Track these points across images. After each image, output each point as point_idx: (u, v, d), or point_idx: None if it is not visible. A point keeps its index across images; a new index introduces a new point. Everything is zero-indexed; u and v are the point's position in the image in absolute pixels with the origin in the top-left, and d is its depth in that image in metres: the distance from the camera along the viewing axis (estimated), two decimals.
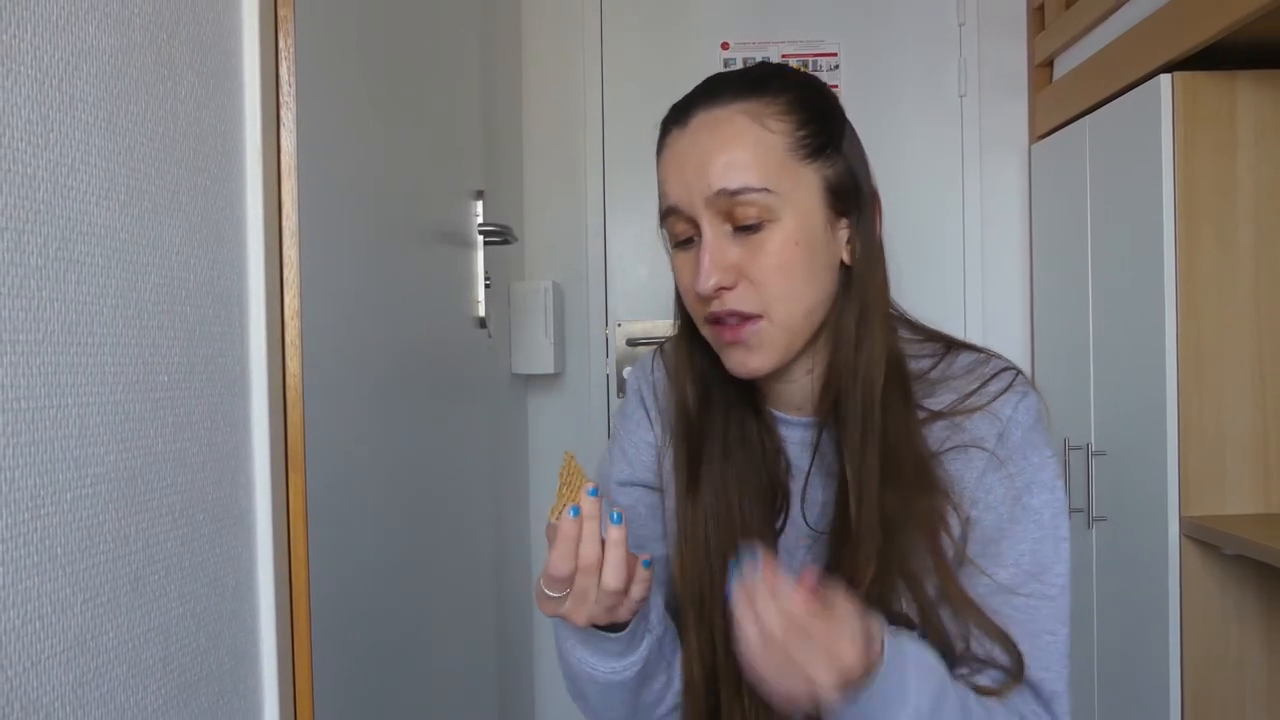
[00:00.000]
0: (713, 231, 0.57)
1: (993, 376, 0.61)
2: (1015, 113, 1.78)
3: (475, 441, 1.31)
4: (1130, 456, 1.37)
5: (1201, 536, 1.21)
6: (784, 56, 1.80)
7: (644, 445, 0.69)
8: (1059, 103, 1.63)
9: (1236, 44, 1.17)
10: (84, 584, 0.48)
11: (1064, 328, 1.60)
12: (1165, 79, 1.25)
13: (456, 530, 1.20)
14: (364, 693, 0.86)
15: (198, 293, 0.60)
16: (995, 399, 0.60)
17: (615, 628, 0.59)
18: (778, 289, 0.57)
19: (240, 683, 0.64)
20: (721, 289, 0.57)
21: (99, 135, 0.50)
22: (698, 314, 0.61)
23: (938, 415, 0.60)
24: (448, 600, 1.15)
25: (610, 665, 0.60)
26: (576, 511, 0.53)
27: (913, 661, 0.53)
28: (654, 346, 0.72)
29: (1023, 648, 0.58)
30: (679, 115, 0.60)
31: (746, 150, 0.57)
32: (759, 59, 1.80)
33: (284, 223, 0.66)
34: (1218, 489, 1.24)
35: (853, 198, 0.61)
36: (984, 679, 0.59)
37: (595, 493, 0.53)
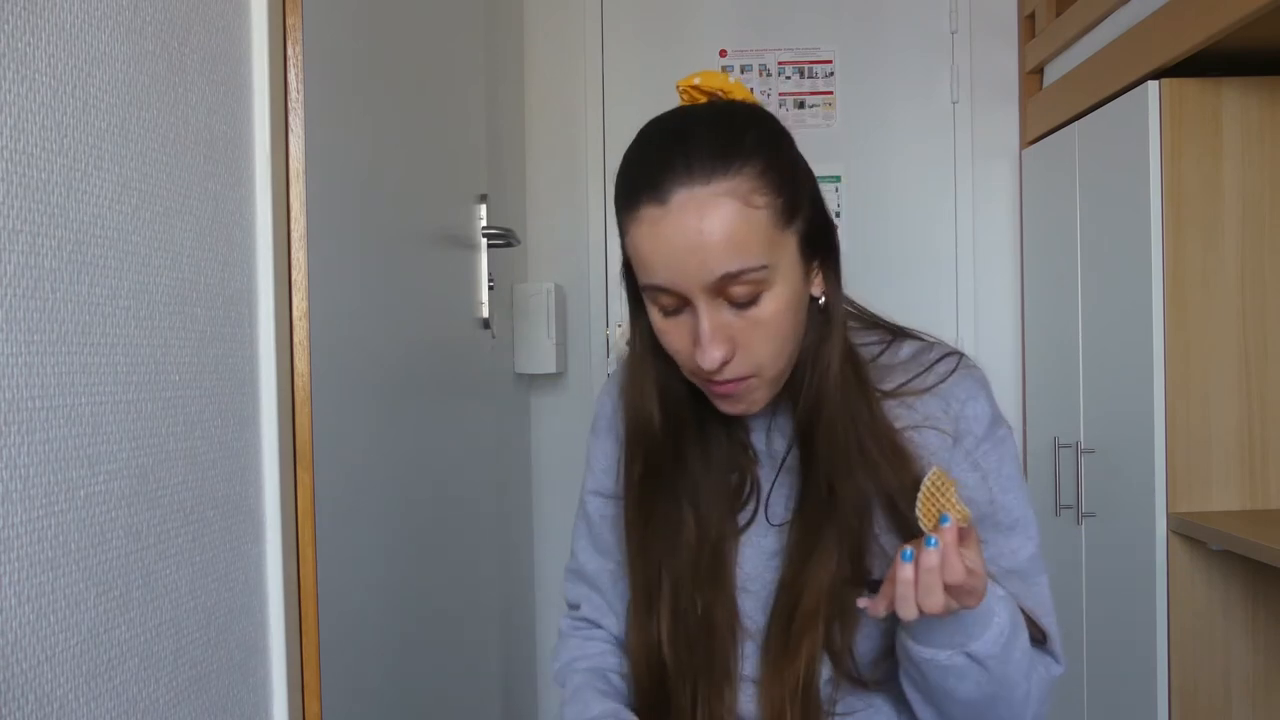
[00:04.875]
0: (710, 310, 0.57)
1: (938, 360, 0.65)
2: (1006, 119, 1.80)
3: (479, 439, 1.32)
4: (1119, 454, 1.38)
5: (1188, 532, 1.22)
6: (780, 64, 1.81)
7: (602, 455, 0.73)
8: (1049, 109, 1.66)
9: (1223, 51, 1.18)
10: (97, 579, 0.49)
11: (1054, 328, 1.62)
12: (1153, 85, 1.26)
13: (461, 525, 1.21)
14: (370, 685, 0.87)
15: (208, 294, 0.61)
16: (944, 380, 0.64)
17: None
18: (770, 352, 0.59)
19: (250, 675, 0.65)
20: (724, 361, 0.58)
21: (111, 141, 0.51)
22: (686, 370, 0.62)
23: (888, 395, 0.64)
24: (452, 594, 1.16)
25: None
26: (933, 542, 0.54)
27: (996, 589, 0.59)
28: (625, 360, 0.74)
29: (1031, 602, 0.64)
30: (651, 188, 0.57)
31: (740, 233, 0.56)
32: (756, 66, 1.82)
33: (292, 226, 0.67)
34: (1204, 486, 1.25)
35: (821, 239, 0.62)
36: None
37: (946, 520, 0.54)
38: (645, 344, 0.65)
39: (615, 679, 0.71)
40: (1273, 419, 1.25)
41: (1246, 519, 1.20)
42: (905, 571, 0.54)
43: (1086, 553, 1.48)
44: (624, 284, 0.65)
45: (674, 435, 0.65)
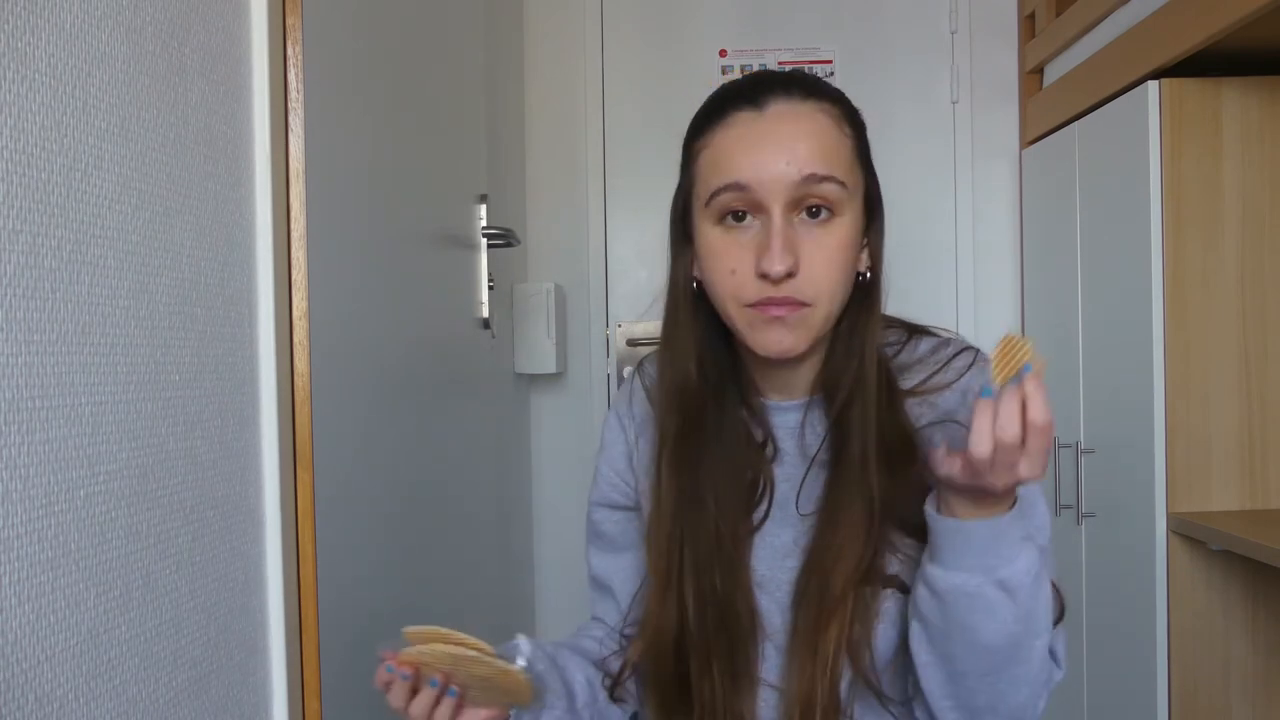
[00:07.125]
0: (784, 219, 0.59)
1: (955, 355, 0.66)
2: (1006, 119, 1.80)
3: (479, 439, 1.32)
4: (1118, 454, 1.38)
5: (1188, 532, 1.22)
6: (780, 64, 1.81)
7: (609, 470, 0.73)
8: (1049, 109, 1.66)
9: (1223, 51, 1.18)
10: (96, 579, 0.49)
11: (1054, 328, 1.62)
12: (1153, 85, 1.26)
13: (461, 525, 1.21)
14: (370, 685, 0.87)
15: (208, 294, 0.61)
16: (962, 375, 0.65)
17: None
18: (829, 281, 0.60)
19: (250, 675, 0.65)
20: (788, 274, 0.59)
21: (112, 141, 0.51)
22: (743, 296, 0.61)
23: (910, 394, 0.64)
24: (452, 594, 1.16)
25: None
26: None
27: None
28: (637, 364, 0.75)
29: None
30: (749, 97, 0.61)
31: (830, 143, 0.60)
32: (756, 66, 1.82)
33: (292, 226, 0.67)
34: (1204, 486, 1.25)
35: (876, 209, 0.65)
36: None
37: None
38: (684, 299, 0.65)
39: (587, 643, 0.72)
40: (1273, 419, 1.25)
41: (1246, 519, 1.20)
42: (1007, 399, 0.54)
43: (1086, 553, 1.48)
44: (672, 228, 0.65)
45: (700, 404, 0.65)
